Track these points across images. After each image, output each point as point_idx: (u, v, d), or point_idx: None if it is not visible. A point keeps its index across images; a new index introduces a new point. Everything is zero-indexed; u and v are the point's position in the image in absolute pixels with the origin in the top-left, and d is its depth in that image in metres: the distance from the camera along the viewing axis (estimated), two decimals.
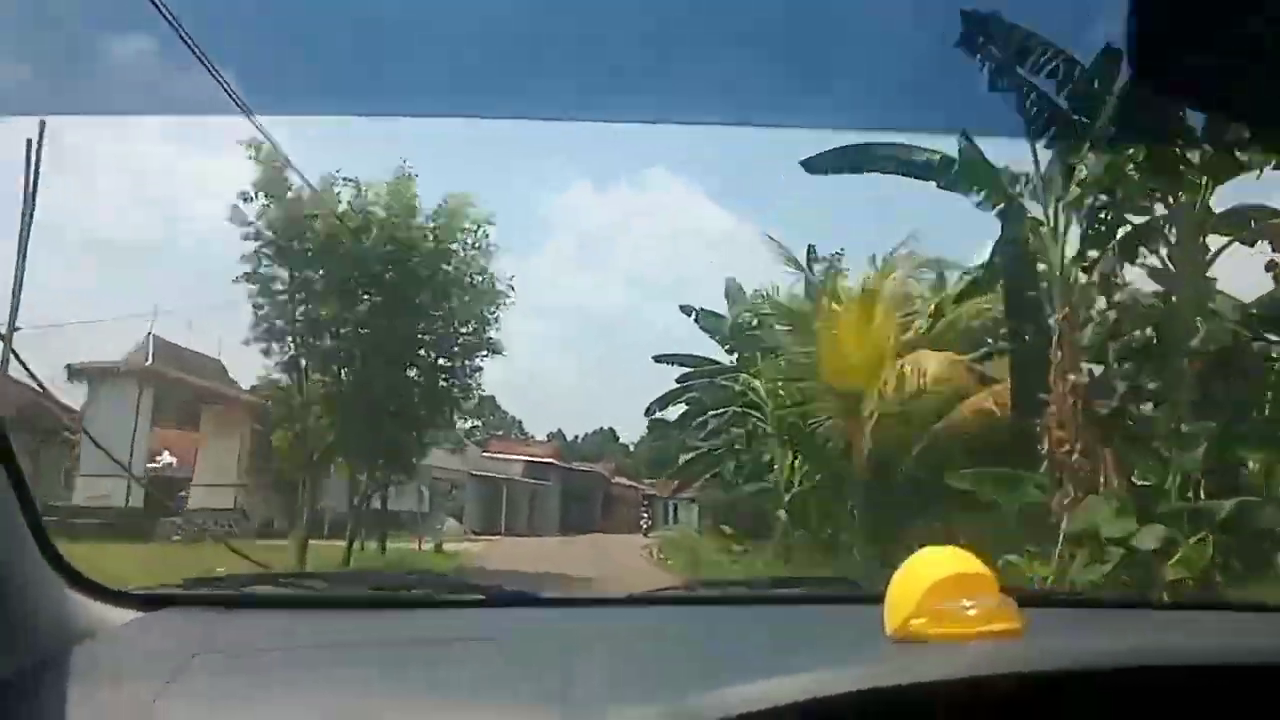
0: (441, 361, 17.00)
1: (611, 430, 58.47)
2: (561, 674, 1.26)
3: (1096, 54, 9.71)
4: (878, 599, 1.36)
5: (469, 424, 51.96)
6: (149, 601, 1.61)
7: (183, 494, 21.41)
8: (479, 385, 17.99)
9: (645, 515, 32.93)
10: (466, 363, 17.15)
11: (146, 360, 20.53)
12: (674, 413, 24.05)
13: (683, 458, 23.34)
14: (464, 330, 16.84)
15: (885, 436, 14.36)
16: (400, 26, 6.52)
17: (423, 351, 16.79)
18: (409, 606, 1.88)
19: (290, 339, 15.99)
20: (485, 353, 17.04)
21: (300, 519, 16.09)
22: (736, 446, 20.07)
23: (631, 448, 55.73)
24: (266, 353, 16.09)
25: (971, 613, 1.24)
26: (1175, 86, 0.81)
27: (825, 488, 16.52)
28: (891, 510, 13.79)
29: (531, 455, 34.96)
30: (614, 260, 58.92)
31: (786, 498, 17.53)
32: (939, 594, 1.28)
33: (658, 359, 22.09)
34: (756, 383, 18.20)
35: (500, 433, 48.09)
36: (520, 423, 54.96)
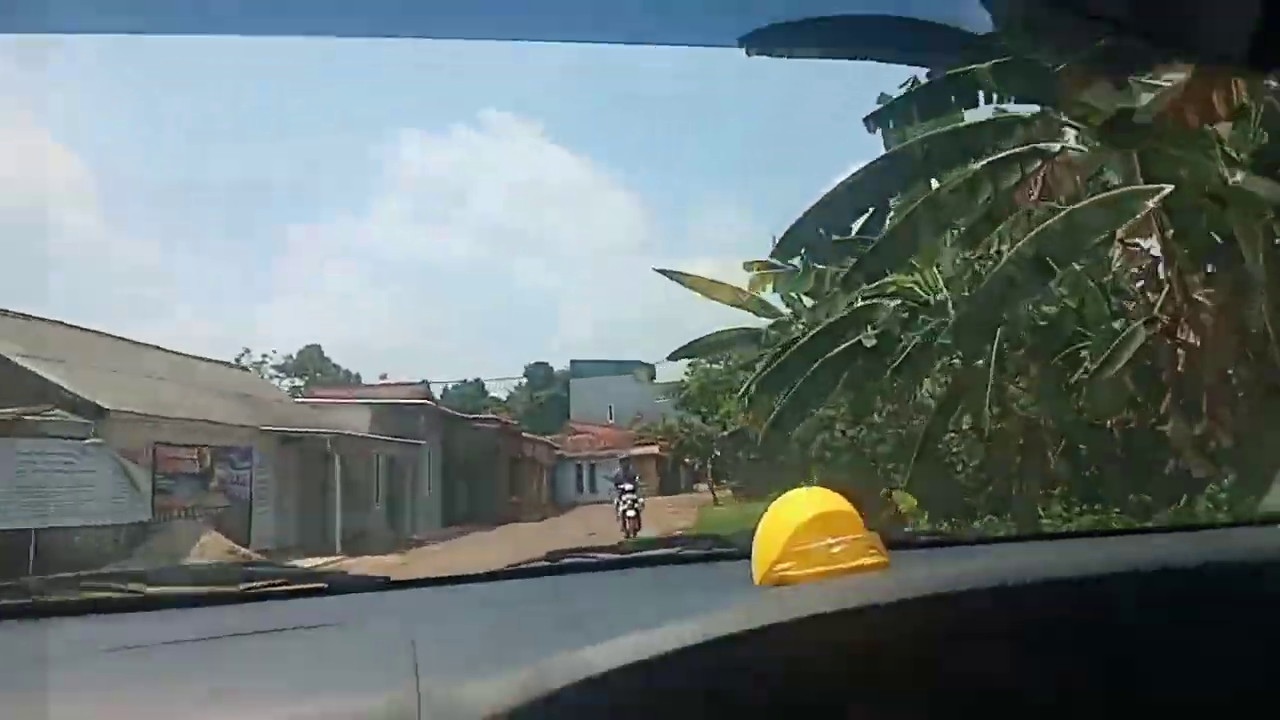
0: None
1: (479, 382, 47.75)
2: (414, 653, 1.14)
3: None
4: (748, 552, 1.37)
5: (288, 382, 37.56)
6: None
7: None
8: None
9: (623, 486, 17.76)
10: None
11: None
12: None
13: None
14: None
15: None
16: None
17: None
18: (239, 601, 1.68)
19: None
20: None
21: None
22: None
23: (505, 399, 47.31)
24: None
25: (836, 550, 1.24)
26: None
27: None
28: None
29: (384, 398, 20.13)
30: (460, 210, 55.70)
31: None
32: (803, 536, 1.27)
33: None
34: None
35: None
36: (359, 376, 41.78)
